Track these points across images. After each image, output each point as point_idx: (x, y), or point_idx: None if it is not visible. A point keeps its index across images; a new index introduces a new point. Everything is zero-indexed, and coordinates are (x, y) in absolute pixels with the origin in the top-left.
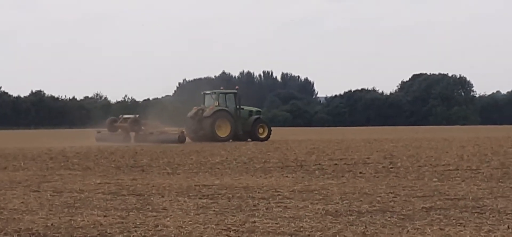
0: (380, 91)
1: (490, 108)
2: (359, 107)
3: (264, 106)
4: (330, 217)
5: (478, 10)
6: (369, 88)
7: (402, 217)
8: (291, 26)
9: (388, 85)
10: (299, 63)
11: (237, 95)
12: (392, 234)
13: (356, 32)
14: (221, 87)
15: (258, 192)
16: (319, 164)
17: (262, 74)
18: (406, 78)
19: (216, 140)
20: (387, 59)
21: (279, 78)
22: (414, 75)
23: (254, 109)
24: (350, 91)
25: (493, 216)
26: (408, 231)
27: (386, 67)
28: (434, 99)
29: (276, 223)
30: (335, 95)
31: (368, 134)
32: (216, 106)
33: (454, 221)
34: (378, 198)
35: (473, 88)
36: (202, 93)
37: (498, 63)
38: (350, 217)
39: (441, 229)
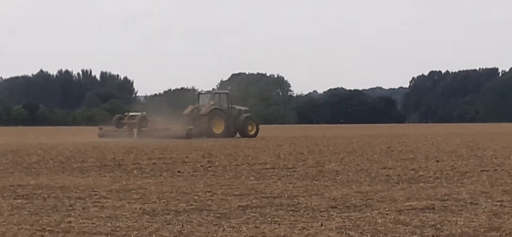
0: (199, 90)
1: (307, 107)
2: (179, 106)
3: (82, 104)
4: (147, 216)
5: (294, 11)
6: (189, 87)
7: (218, 215)
8: (110, 24)
9: (207, 84)
10: (118, 62)
11: (228, 96)
12: (208, 232)
13: (175, 31)
14: (213, 88)
15: (75, 192)
16: (137, 163)
17: (80, 73)
18: (226, 78)
19: (212, 136)
20: (206, 58)
21: (98, 77)
22: (233, 75)
23: (243, 108)
24: (170, 90)
25: (307, 214)
26: (224, 229)
27: (205, 66)
28: (253, 98)
29: (92, 223)
30: (155, 94)
31: None
32: (211, 105)
33: (269, 219)
34: (196, 197)
35: (290, 88)
36: (197, 93)
37: (315, 64)
38: (167, 216)
39: (256, 227)
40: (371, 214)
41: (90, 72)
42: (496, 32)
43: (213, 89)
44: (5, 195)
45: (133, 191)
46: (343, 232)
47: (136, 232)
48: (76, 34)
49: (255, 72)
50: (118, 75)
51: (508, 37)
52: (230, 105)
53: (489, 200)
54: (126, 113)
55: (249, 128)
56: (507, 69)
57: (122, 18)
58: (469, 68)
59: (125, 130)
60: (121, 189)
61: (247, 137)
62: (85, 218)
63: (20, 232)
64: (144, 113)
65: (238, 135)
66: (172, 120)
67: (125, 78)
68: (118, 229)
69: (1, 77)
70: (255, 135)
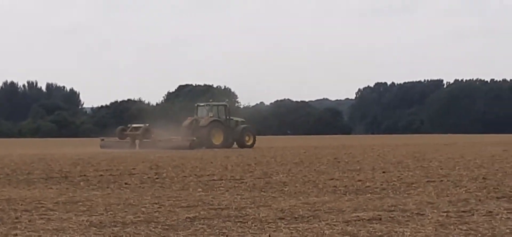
0: (146, 102)
1: (254, 119)
2: (126, 118)
3: (28, 116)
4: (94, 228)
5: (240, 23)
6: (136, 99)
7: (166, 227)
8: (56, 35)
9: (154, 96)
10: (64, 73)
11: (226, 107)
12: None
13: (122, 43)
14: (211, 100)
15: (21, 204)
16: (84, 175)
17: (26, 84)
18: (172, 89)
19: (211, 147)
20: (153, 70)
21: (44, 88)
22: (180, 86)
23: (240, 119)
24: (117, 102)
25: (255, 225)
26: None
27: (152, 78)
28: None
29: (38, 236)
30: (102, 106)
31: None
32: (210, 117)
33: (217, 230)
34: (143, 209)
35: (237, 100)
36: (196, 105)
37: (262, 75)
38: (114, 228)
39: None
40: (319, 225)
41: (36, 83)
42: (441, 44)
43: (211, 100)
44: None
45: (80, 203)
46: None
47: None
48: (21, 46)
49: (202, 84)
50: (64, 87)
51: (452, 49)
52: (228, 117)
53: (435, 211)
54: (128, 125)
55: (247, 138)
56: (451, 81)
57: (69, 28)
58: (414, 80)
59: (128, 141)
60: (68, 201)
61: (244, 147)
62: (32, 230)
63: None
64: (148, 124)
65: (235, 145)
66: (173, 131)
67: (71, 89)
68: None
69: None
70: (252, 145)
